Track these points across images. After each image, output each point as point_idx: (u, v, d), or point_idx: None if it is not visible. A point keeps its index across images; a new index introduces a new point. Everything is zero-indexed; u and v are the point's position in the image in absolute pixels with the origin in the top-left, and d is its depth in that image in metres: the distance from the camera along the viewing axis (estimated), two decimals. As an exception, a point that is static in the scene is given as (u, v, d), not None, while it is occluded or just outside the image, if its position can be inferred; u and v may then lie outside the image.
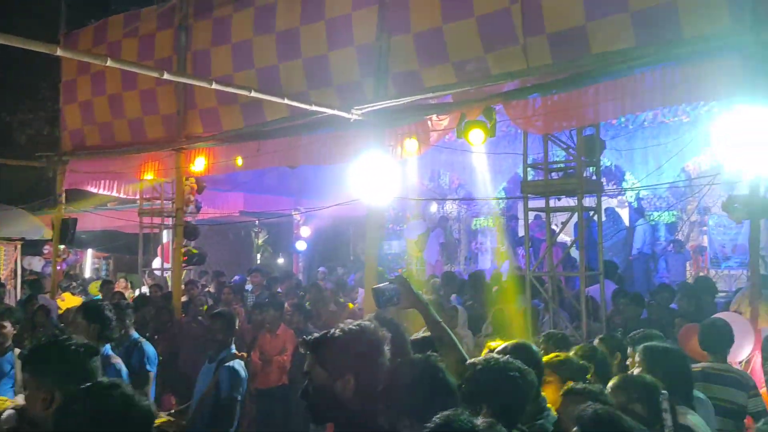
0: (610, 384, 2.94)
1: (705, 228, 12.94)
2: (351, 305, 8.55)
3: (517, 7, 5.97)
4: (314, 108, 6.36)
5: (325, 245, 17.17)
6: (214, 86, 5.36)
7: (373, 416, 2.29)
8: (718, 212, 11.61)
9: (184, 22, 8.57)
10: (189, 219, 10.11)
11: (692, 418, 3.05)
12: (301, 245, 15.91)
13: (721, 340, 4.38)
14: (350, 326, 2.41)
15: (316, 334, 2.47)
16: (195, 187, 9.04)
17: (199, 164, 8.37)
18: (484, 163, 15.17)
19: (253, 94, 5.72)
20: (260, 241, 18.28)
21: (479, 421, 1.87)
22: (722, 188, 10.06)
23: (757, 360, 5.04)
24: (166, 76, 5.13)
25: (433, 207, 16.88)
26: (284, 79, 7.65)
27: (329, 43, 7.29)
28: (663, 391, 2.81)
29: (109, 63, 4.77)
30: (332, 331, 2.40)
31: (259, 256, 18.24)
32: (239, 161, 8.31)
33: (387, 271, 15.94)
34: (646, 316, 7.28)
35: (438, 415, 1.88)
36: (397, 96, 6.65)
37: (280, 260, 18.04)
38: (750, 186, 5.29)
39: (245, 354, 5.65)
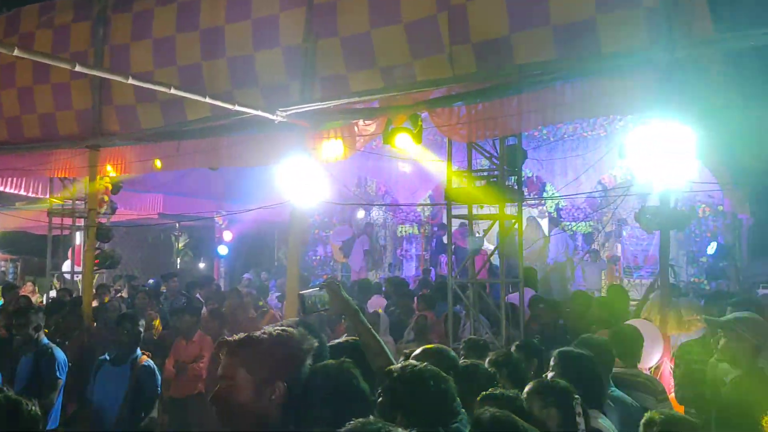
0: (526, 389, 2.96)
1: (620, 238, 13.49)
2: (272, 311, 8.36)
3: (444, 16, 6.01)
4: (238, 108, 6.19)
5: (248, 250, 16.84)
6: (131, 81, 5.11)
7: (287, 424, 2.19)
8: (632, 223, 12.13)
9: (103, 14, 8.18)
10: (103, 220, 9.66)
11: (602, 422, 3.11)
12: (223, 250, 15.53)
13: (631, 346, 4.50)
14: (278, 331, 2.29)
15: (240, 335, 2.29)
16: (110, 187, 8.65)
17: (114, 163, 8.00)
18: (410, 171, 15.32)
19: (173, 91, 5.50)
20: (180, 245, 17.75)
21: (394, 429, 1.80)
22: (636, 200, 10.52)
23: (666, 366, 5.23)
24: (78, 68, 4.85)
25: (360, 213, 16.89)
26: (208, 78, 7.42)
27: (255, 43, 7.13)
28: (576, 396, 2.85)
29: (16, 53, 4.48)
30: (257, 333, 2.26)
31: (179, 260, 17.70)
32: (158, 163, 8.01)
33: (312, 276, 15.83)
34: (563, 323, 7.49)
35: (351, 423, 1.80)
36: (323, 99, 6.57)
37: (202, 265, 17.56)
38: (660, 198, 5.51)
39: (149, 354, 5.72)
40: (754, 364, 3.72)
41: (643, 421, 2.83)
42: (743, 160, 6.58)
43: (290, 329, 2.33)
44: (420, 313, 7.45)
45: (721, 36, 4.86)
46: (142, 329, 5.66)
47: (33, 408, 2.30)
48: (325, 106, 6.46)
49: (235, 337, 2.28)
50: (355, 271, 15.01)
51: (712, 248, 11.51)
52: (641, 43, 5.21)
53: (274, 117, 6.41)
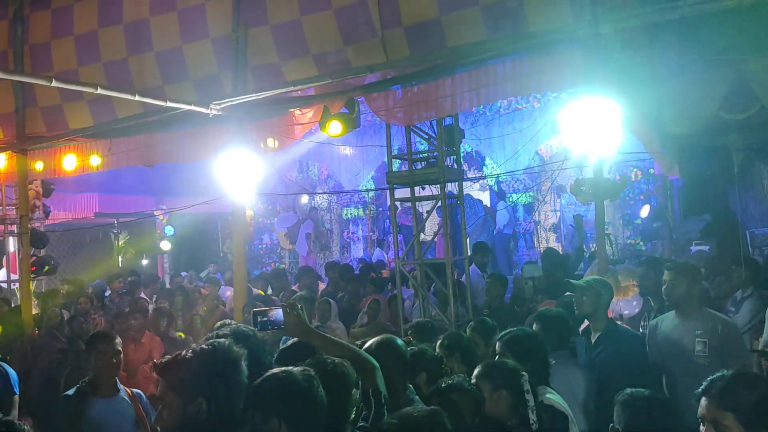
0: (475, 373, 3.04)
1: (558, 208, 13.84)
2: (221, 307, 8.27)
3: (374, 0, 6.00)
4: (169, 104, 6.05)
5: (192, 244, 16.52)
6: (54, 84, 4.93)
7: None
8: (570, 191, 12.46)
9: (20, 12, 7.81)
10: (37, 225, 9.32)
11: (551, 396, 3.24)
12: (165, 245, 15.20)
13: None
14: (202, 346, 2.30)
15: (165, 358, 2.33)
16: (40, 191, 8.34)
17: (41, 166, 7.72)
18: (351, 153, 15.32)
19: (100, 91, 5.34)
20: (121, 243, 17.25)
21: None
22: (573, 170, 10.81)
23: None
24: (-4, 73, 4.66)
25: (304, 199, 16.80)
26: (136, 74, 7.21)
27: (183, 35, 6.96)
28: (523, 373, 2.96)
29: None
30: (183, 352, 2.28)
31: (120, 258, 17.23)
32: (93, 161, 7.77)
33: (259, 265, 15.70)
34: (511, 294, 7.70)
35: None
36: (257, 90, 6.47)
37: (145, 261, 17.14)
38: (594, 169, 5.70)
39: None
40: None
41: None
42: (669, 127, 6.82)
43: (219, 341, 2.34)
44: (372, 297, 7.52)
45: (643, 10, 5.02)
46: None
47: (26, 428, 2.28)
48: (260, 96, 6.36)
49: (163, 359, 2.33)
50: (303, 257, 14.96)
51: (645, 210, 11.95)
52: (566, 20, 5.33)
53: (208, 111, 6.29)
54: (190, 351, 2.28)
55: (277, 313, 2.92)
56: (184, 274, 13.31)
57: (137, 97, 5.73)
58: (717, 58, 5.59)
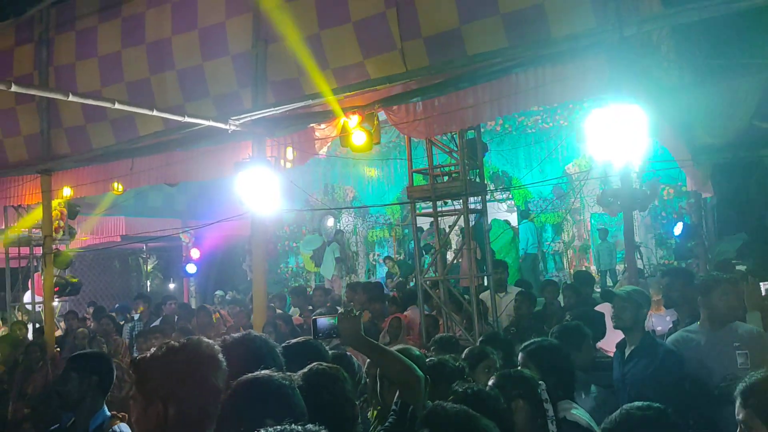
0: (490, 383, 2.86)
1: (588, 227, 13.53)
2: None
3: (393, 12, 5.94)
4: (188, 120, 6.03)
5: (219, 267, 16.55)
6: (71, 98, 4.94)
7: None
8: (598, 210, 12.18)
9: (45, 35, 7.96)
10: (63, 247, 9.38)
11: (576, 412, 3.02)
12: (191, 268, 15.23)
13: (592, 329, 4.45)
14: (172, 343, 2.10)
15: (138, 355, 2.16)
16: (65, 211, 8.39)
17: (67, 187, 7.77)
18: (376, 175, 15.26)
19: (117, 105, 5.33)
20: (149, 267, 17.40)
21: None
22: (600, 187, 10.57)
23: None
24: (14, 88, 4.67)
25: (329, 221, 16.75)
26: (158, 93, 7.24)
27: (203, 53, 6.98)
28: (540, 382, 2.77)
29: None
30: (155, 349, 2.09)
31: (149, 282, 17.35)
32: (115, 185, 7.82)
33: (285, 289, 15.63)
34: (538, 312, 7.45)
35: None
36: (276, 105, 6.43)
37: (172, 285, 17.23)
38: (621, 178, 5.49)
39: (125, 414, 3.46)
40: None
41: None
42: (699, 137, 6.60)
43: (193, 338, 2.14)
44: (394, 316, 7.33)
45: (668, 11, 4.85)
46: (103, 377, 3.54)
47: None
48: (278, 111, 6.31)
49: (136, 356, 2.18)
50: (328, 280, 14.84)
51: (678, 229, 11.57)
52: (590, 25, 5.18)
53: (226, 126, 6.25)
54: (161, 348, 2.08)
55: (332, 325, 2.92)
56: (217, 293, 13.29)
57: (155, 112, 5.71)
58: (748, 62, 5.38)
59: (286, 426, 1.50)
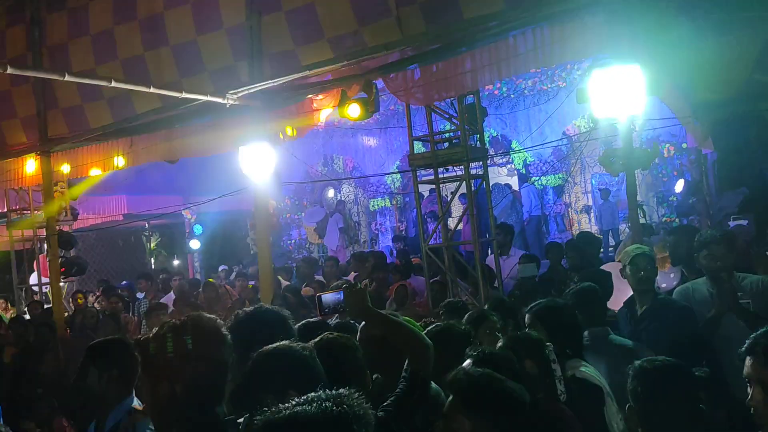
0: (497, 346, 2.90)
1: (589, 188, 13.54)
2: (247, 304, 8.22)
3: (387, -22, 5.86)
4: (185, 95, 5.99)
5: (222, 242, 16.61)
6: (67, 78, 4.90)
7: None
8: (600, 170, 12.17)
9: (36, 15, 7.86)
10: (66, 228, 9.40)
11: (585, 370, 3.07)
12: (195, 244, 15.28)
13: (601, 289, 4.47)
14: (173, 322, 2.07)
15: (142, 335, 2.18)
16: (66, 191, 8.39)
17: (67, 169, 7.76)
18: (376, 144, 15.22)
19: (114, 84, 5.30)
20: (153, 245, 17.44)
21: None
22: (601, 148, 10.52)
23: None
24: (9, 70, 4.64)
25: (330, 192, 16.76)
26: (153, 69, 7.18)
27: (197, 27, 6.90)
28: (548, 343, 2.81)
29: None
30: (157, 329, 2.07)
31: (153, 260, 17.40)
32: (115, 160, 7.80)
33: (289, 261, 15.71)
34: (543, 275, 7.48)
35: None
36: (273, 77, 6.38)
37: (176, 262, 17.29)
38: (623, 138, 5.47)
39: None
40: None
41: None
42: (700, 93, 6.55)
43: (194, 315, 2.12)
44: (399, 283, 7.38)
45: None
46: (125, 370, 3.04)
47: None
48: (276, 83, 6.27)
49: (140, 336, 2.16)
50: (332, 251, 14.90)
51: (679, 186, 11.57)
52: (588, -17, 5.11)
53: (224, 101, 6.22)
54: (159, 328, 2.06)
55: (338, 299, 2.87)
56: (222, 268, 13.32)
57: (152, 89, 5.68)
58: (747, 14, 5.32)
59: (317, 393, 1.51)
